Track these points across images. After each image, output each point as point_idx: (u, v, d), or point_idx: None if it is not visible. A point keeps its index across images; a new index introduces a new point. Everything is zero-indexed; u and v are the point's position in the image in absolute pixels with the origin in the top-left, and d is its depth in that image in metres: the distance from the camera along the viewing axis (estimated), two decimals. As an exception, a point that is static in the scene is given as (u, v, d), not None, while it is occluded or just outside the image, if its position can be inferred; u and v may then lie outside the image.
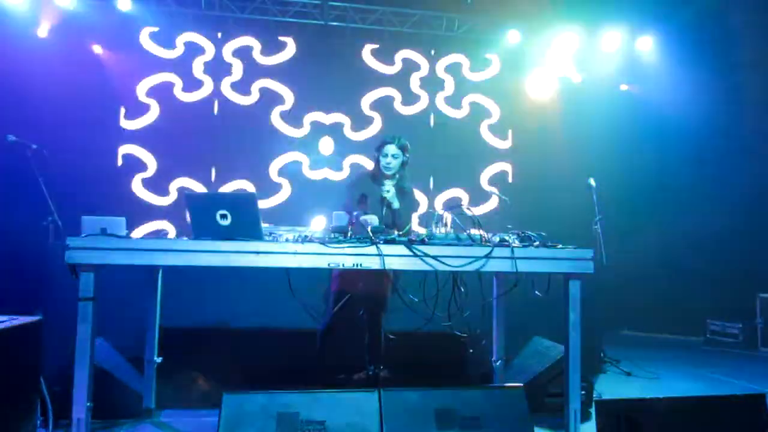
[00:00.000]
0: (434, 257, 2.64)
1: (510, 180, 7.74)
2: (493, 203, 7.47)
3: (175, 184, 6.97)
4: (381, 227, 2.96)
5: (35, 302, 3.93)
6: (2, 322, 2.41)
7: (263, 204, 6.93)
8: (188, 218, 2.73)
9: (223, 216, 2.60)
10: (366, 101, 7.49)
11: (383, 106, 7.54)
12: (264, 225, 2.69)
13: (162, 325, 3.34)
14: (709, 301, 6.78)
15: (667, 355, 5.88)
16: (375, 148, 3.64)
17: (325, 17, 7.24)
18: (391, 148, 3.53)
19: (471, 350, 4.05)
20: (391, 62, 7.62)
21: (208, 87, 7.17)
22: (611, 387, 4.33)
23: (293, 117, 7.33)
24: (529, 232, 2.90)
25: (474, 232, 2.82)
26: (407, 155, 3.59)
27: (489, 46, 7.74)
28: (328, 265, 2.61)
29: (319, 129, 7.37)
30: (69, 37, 6.61)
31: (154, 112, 7.01)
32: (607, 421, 2.44)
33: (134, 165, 6.92)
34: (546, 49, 7.63)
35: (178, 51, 7.13)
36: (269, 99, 7.31)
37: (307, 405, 2.61)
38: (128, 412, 3.25)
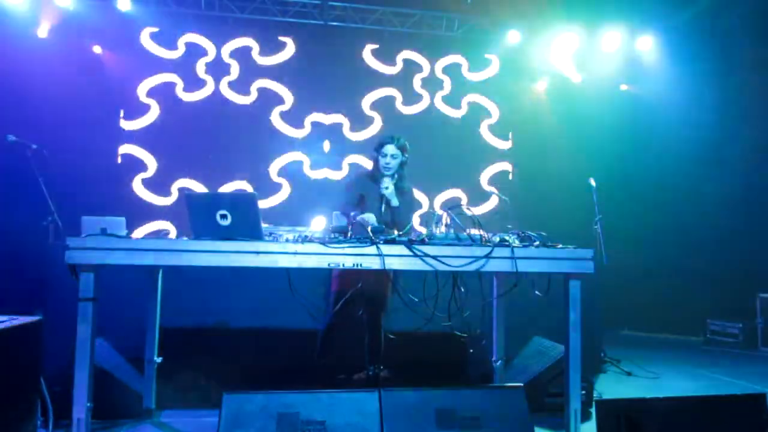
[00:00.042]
0: (434, 257, 2.64)
1: (510, 180, 7.73)
2: (493, 203, 7.47)
3: (176, 185, 6.97)
4: (381, 227, 2.96)
5: (35, 302, 3.93)
6: (2, 322, 2.41)
7: (263, 204, 6.94)
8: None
9: (223, 216, 2.60)
10: (366, 101, 7.49)
11: (383, 106, 7.54)
12: (264, 225, 2.69)
13: (162, 325, 3.33)
14: (709, 301, 6.78)
15: (667, 355, 5.88)
16: (374, 148, 3.64)
17: (325, 17, 7.25)
18: (390, 148, 3.53)
19: (471, 350, 4.05)
20: (391, 62, 7.62)
21: (208, 87, 7.17)
22: (611, 387, 4.33)
23: (293, 117, 7.33)
24: (529, 232, 2.89)
25: (474, 232, 2.82)
26: (406, 155, 3.59)
27: (489, 46, 7.74)
28: (328, 265, 2.61)
29: (319, 129, 7.37)
30: (69, 37, 6.61)
31: (154, 112, 7.01)
32: (607, 420, 2.44)
33: (134, 165, 6.92)
34: (546, 49, 7.63)
35: (178, 51, 7.13)
36: (269, 99, 7.31)
37: (307, 405, 2.61)
38: (128, 412, 3.25)
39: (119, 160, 6.88)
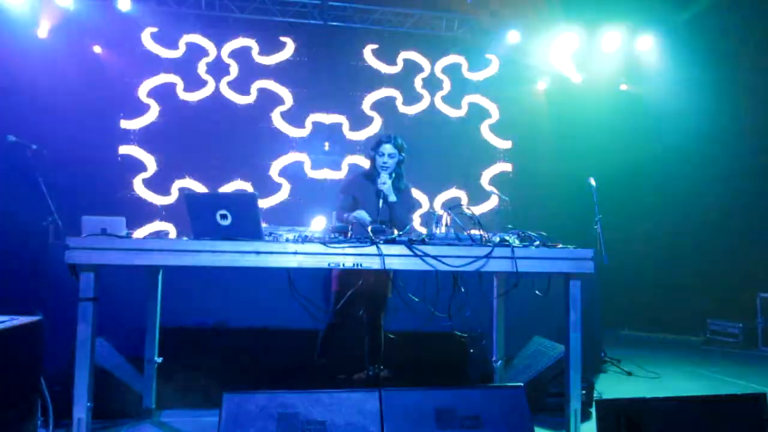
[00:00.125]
0: (434, 257, 2.64)
1: (510, 180, 7.73)
2: (493, 203, 7.47)
3: (176, 185, 6.97)
4: (381, 227, 2.96)
5: (35, 302, 3.93)
6: (2, 322, 2.41)
7: (263, 204, 6.94)
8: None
9: (223, 216, 2.60)
10: (366, 101, 7.49)
11: (383, 106, 7.54)
12: (264, 225, 2.69)
13: (162, 325, 3.33)
14: (709, 301, 6.78)
15: (667, 355, 5.88)
16: (371, 147, 3.64)
17: (325, 17, 7.25)
18: (388, 147, 3.53)
19: (471, 350, 4.06)
20: (391, 62, 7.62)
21: (208, 87, 7.16)
22: (612, 387, 4.33)
23: (293, 117, 7.33)
24: (530, 232, 2.90)
25: (474, 232, 2.82)
26: (403, 154, 3.59)
27: (489, 46, 7.74)
28: (328, 265, 2.61)
29: (319, 129, 7.37)
30: (69, 37, 6.61)
31: (154, 113, 7.00)
32: (607, 420, 2.44)
33: (134, 165, 6.92)
34: (546, 49, 7.63)
35: (178, 51, 7.13)
36: (269, 99, 7.31)
37: (307, 405, 2.61)
38: (128, 412, 3.25)
39: (119, 160, 6.88)
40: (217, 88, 7.17)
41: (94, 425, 2.59)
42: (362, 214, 3.35)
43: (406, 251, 2.64)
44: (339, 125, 7.40)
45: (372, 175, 3.59)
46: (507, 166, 7.77)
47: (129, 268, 2.77)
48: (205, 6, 7.04)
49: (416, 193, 6.79)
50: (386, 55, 7.60)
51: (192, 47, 7.17)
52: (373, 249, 2.61)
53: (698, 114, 7.03)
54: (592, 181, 5.01)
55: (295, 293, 3.00)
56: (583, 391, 3.00)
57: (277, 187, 7.17)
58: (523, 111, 7.77)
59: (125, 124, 6.93)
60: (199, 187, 6.97)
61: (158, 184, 6.93)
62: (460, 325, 3.90)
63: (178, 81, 7.08)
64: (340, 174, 7.29)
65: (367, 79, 7.53)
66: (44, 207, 4.87)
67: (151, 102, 7.00)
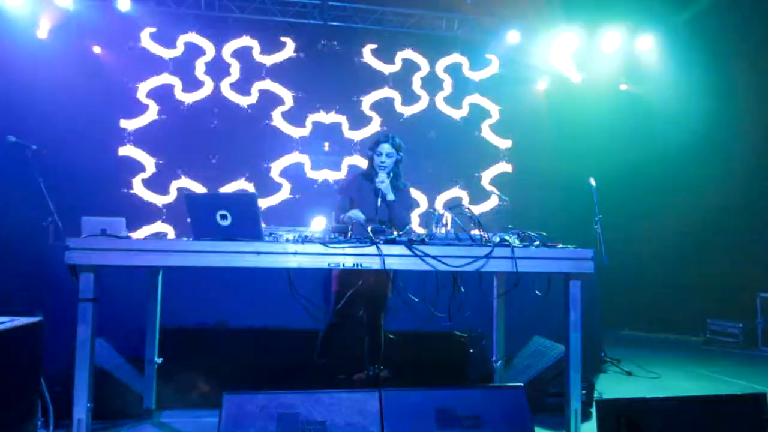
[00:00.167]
0: (434, 257, 2.64)
1: (510, 180, 7.73)
2: (493, 203, 7.47)
3: (175, 185, 6.97)
4: (381, 227, 2.96)
5: (35, 302, 3.93)
6: (3, 322, 2.41)
7: (263, 203, 6.94)
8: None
9: (223, 216, 2.60)
10: (366, 101, 7.49)
11: (383, 106, 7.54)
12: (263, 225, 2.69)
13: (162, 325, 3.33)
14: (709, 301, 6.78)
15: (667, 355, 5.88)
16: (369, 147, 3.65)
17: (325, 17, 7.25)
18: (386, 147, 3.53)
19: (471, 350, 4.06)
20: (391, 62, 7.62)
21: (207, 87, 7.16)
22: (612, 387, 4.33)
23: (293, 117, 7.33)
24: (530, 232, 2.90)
25: (474, 232, 2.82)
26: (401, 154, 3.59)
27: (489, 46, 7.74)
28: (328, 265, 2.61)
29: (319, 129, 7.37)
30: (69, 37, 6.61)
31: (154, 113, 7.00)
32: (607, 420, 2.44)
33: (134, 165, 6.92)
34: (546, 49, 7.63)
35: (178, 51, 7.13)
36: (269, 99, 7.31)
37: (308, 405, 2.61)
38: (128, 412, 3.25)
39: (119, 160, 6.88)
40: (216, 88, 7.17)
41: (94, 426, 2.59)
42: (357, 213, 3.36)
43: (406, 251, 2.64)
44: (339, 125, 7.40)
45: (370, 174, 3.59)
46: (507, 166, 7.77)
47: (129, 268, 2.77)
48: (205, 6, 7.04)
49: (414, 193, 6.78)
50: (386, 55, 7.60)
51: (191, 47, 7.17)
52: (373, 249, 2.61)
53: (698, 114, 7.03)
54: (592, 181, 5.01)
55: (295, 293, 3.00)
56: (583, 391, 3.00)
57: (277, 188, 7.17)
58: (523, 111, 7.77)
59: (125, 124, 6.93)
60: (199, 188, 6.97)
61: (158, 185, 6.93)
62: (460, 325, 3.90)
63: (177, 81, 7.08)
64: (340, 174, 7.29)
65: (368, 79, 7.53)
66: (44, 207, 4.88)
67: (151, 102, 7.00)
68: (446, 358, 3.99)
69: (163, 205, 6.92)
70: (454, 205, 2.99)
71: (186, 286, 3.88)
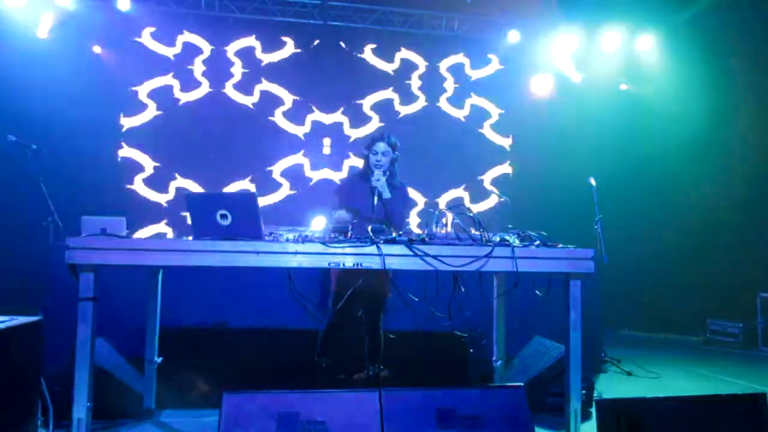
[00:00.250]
0: (434, 257, 2.64)
1: (510, 180, 7.74)
2: (493, 202, 7.47)
3: (175, 184, 6.97)
4: (381, 226, 2.96)
5: (35, 302, 3.93)
6: (2, 322, 2.41)
7: (263, 201, 6.94)
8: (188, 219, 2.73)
9: (223, 216, 2.60)
10: (366, 101, 7.49)
11: (383, 106, 7.54)
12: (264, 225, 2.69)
13: (162, 325, 3.33)
14: (709, 301, 6.78)
15: (667, 355, 5.88)
16: (364, 146, 3.64)
17: (325, 17, 7.25)
18: (382, 146, 3.53)
19: (471, 350, 4.05)
20: (390, 62, 7.62)
21: (207, 87, 7.17)
22: (612, 387, 4.33)
23: (293, 117, 7.33)
24: (530, 232, 2.89)
25: (474, 232, 2.81)
26: (397, 153, 3.59)
27: (489, 45, 7.75)
28: (329, 264, 2.61)
29: (319, 129, 7.37)
30: (69, 37, 6.61)
31: (154, 112, 7.01)
32: (607, 420, 2.44)
33: (134, 165, 6.92)
34: (546, 48, 7.63)
35: (179, 51, 7.13)
36: (269, 99, 7.31)
37: (307, 405, 2.61)
38: (128, 412, 3.25)
39: (119, 160, 6.88)
40: (216, 88, 7.18)
41: (94, 425, 2.59)
42: (342, 214, 3.36)
43: (406, 251, 2.63)
44: (339, 125, 7.40)
45: (366, 173, 3.58)
46: (507, 167, 7.77)
47: (129, 268, 2.77)
48: (205, 6, 7.05)
49: (413, 193, 6.79)
50: (386, 54, 7.61)
51: (191, 47, 7.18)
52: (373, 249, 2.61)
53: (698, 114, 7.03)
54: (592, 181, 5.01)
55: (295, 293, 3.00)
56: (583, 391, 3.00)
57: (277, 187, 7.18)
58: (523, 111, 7.77)
59: (125, 124, 6.93)
60: (199, 188, 6.98)
61: (158, 185, 6.94)
62: (460, 325, 3.89)
63: (177, 81, 7.09)
64: (341, 174, 7.29)
65: (368, 79, 7.54)
66: (44, 207, 4.88)
67: (151, 102, 7.00)
68: (446, 358, 3.98)
69: (162, 205, 6.92)
70: (454, 205, 2.99)
71: (186, 286, 3.88)
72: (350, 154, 7.34)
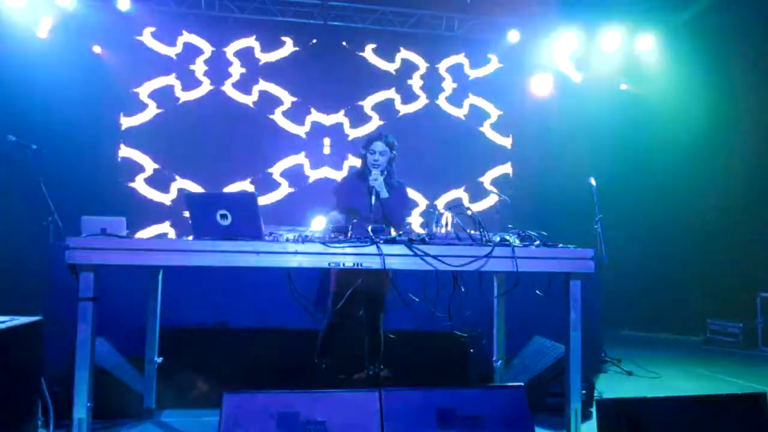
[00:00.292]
0: (434, 257, 2.64)
1: (510, 180, 7.74)
2: (493, 202, 7.47)
3: (175, 185, 6.97)
4: (380, 226, 2.96)
5: (36, 302, 3.93)
6: (3, 322, 2.41)
7: (263, 200, 6.94)
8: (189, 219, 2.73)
9: (223, 216, 2.60)
10: (366, 101, 7.50)
11: (383, 106, 7.54)
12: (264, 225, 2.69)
13: (162, 325, 3.33)
14: (709, 301, 6.78)
15: (667, 355, 5.88)
16: (362, 145, 3.64)
17: (325, 17, 7.25)
18: (379, 145, 3.52)
19: (471, 350, 4.05)
20: (391, 62, 7.62)
21: (208, 87, 7.17)
22: (612, 386, 4.33)
23: (293, 117, 7.33)
24: (530, 232, 2.89)
25: (474, 232, 2.81)
26: (394, 152, 3.59)
27: (489, 45, 7.75)
28: (329, 264, 2.61)
29: (319, 129, 7.38)
30: (69, 37, 6.62)
31: (154, 112, 7.01)
32: (607, 420, 2.44)
33: (134, 165, 6.92)
34: (546, 48, 7.63)
35: (179, 51, 7.13)
36: (269, 99, 7.31)
37: (307, 405, 2.61)
38: (129, 412, 3.24)
39: (119, 160, 6.88)
40: (216, 88, 7.18)
41: (94, 425, 2.59)
42: (335, 215, 3.37)
43: (406, 251, 2.63)
44: (339, 125, 7.40)
45: (364, 173, 3.58)
46: (507, 166, 7.77)
47: (129, 268, 2.76)
48: (205, 6, 7.05)
49: (413, 193, 6.79)
50: (386, 54, 7.61)
51: (191, 47, 7.18)
52: (373, 249, 2.61)
53: (698, 114, 7.03)
54: (592, 181, 5.01)
55: (295, 293, 3.00)
56: (584, 391, 3.00)
57: (277, 187, 7.18)
58: (523, 111, 7.78)
59: (125, 123, 6.94)
60: (199, 188, 6.98)
61: (158, 185, 6.94)
62: (460, 325, 3.89)
63: (178, 81, 7.09)
64: (341, 174, 7.29)
65: (368, 79, 7.54)
66: (44, 207, 4.88)
67: (151, 102, 7.00)
68: (446, 358, 3.98)
69: (163, 205, 6.92)
70: (454, 205, 2.99)
71: (186, 286, 3.89)
72: (349, 155, 7.34)
